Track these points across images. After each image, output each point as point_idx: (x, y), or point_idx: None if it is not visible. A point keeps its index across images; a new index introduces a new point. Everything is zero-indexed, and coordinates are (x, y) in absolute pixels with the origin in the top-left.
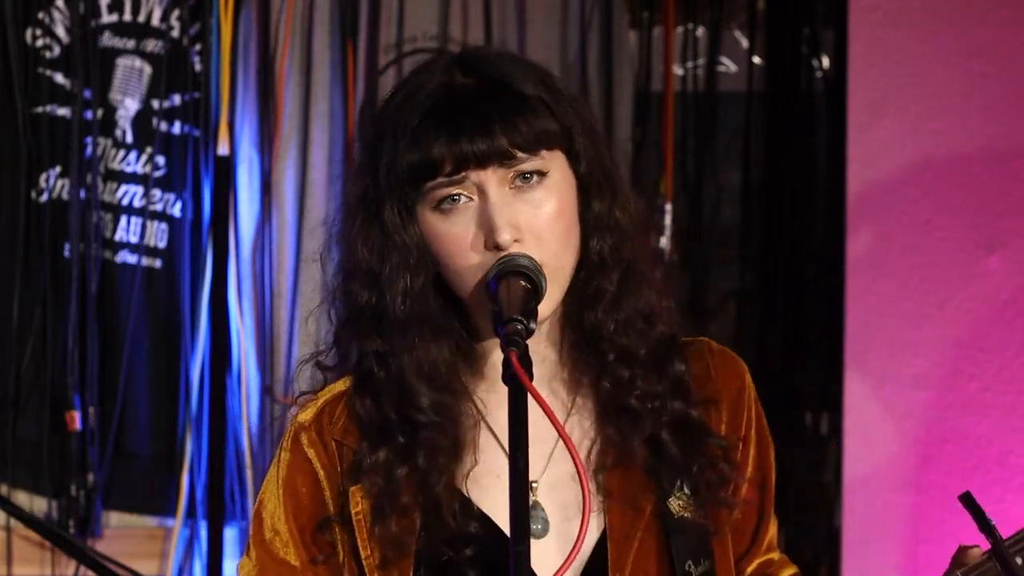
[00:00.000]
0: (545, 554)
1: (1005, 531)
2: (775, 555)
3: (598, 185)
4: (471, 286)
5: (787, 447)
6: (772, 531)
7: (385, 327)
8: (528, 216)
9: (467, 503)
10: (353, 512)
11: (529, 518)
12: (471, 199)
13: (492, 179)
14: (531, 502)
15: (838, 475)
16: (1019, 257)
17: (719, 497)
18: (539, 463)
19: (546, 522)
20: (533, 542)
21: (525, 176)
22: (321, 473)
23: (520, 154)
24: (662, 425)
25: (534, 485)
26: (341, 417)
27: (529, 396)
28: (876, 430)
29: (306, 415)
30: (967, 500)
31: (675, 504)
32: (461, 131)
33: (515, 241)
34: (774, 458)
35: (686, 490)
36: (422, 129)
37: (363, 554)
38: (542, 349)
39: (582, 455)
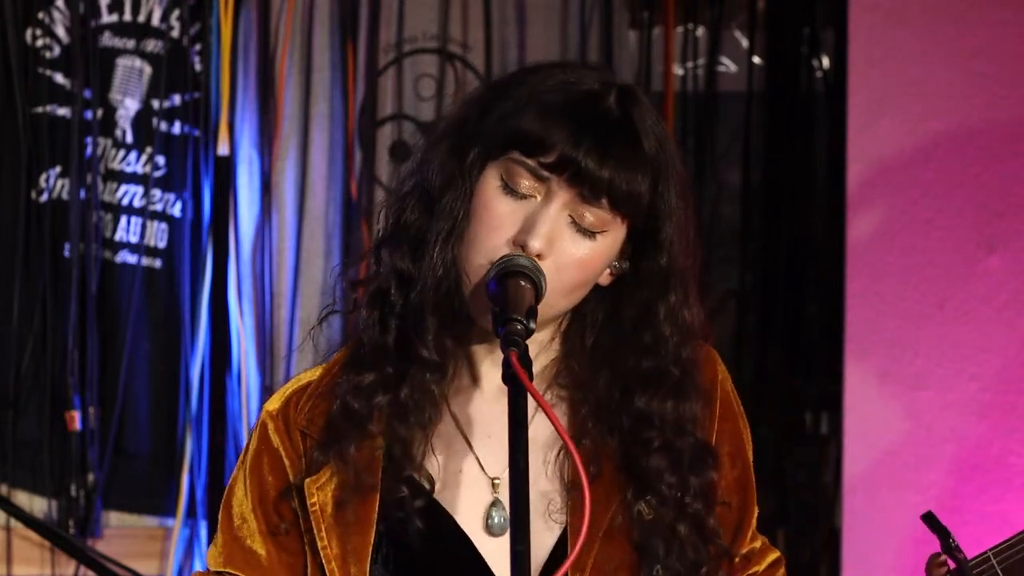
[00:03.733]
0: (499, 552)
1: (1005, 532)
2: (757, 543)
3: (674, 279)
4: (473, 267)
5: (787, 447)
6: (753, 521)
7: (420, 251)
8: (564, 247)
9: (422, 488)
10: (309, 504)
11: (529, 518)
12: (535, 196)
13: (565, 197)
14: (492, 499)
15: (838, 475)
16: (1019, 257)
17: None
18: (503, 461)
19: (506, 520)
20: (491, 539)
21: (583, 229)
22: (286, 462)
23: (605, 201)
24: (681, 519)
25: (496, 482)
26: (306, 406)
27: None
28: (876, 430)
29: (273, 404)
30: (930, 519)
31: (644, 508)
32: (585, 139)
33: (538, 256)
34: (751, 450)
35: (652, 499)
36: (559, 113)
37: (320, 545)
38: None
39: (553, 454)
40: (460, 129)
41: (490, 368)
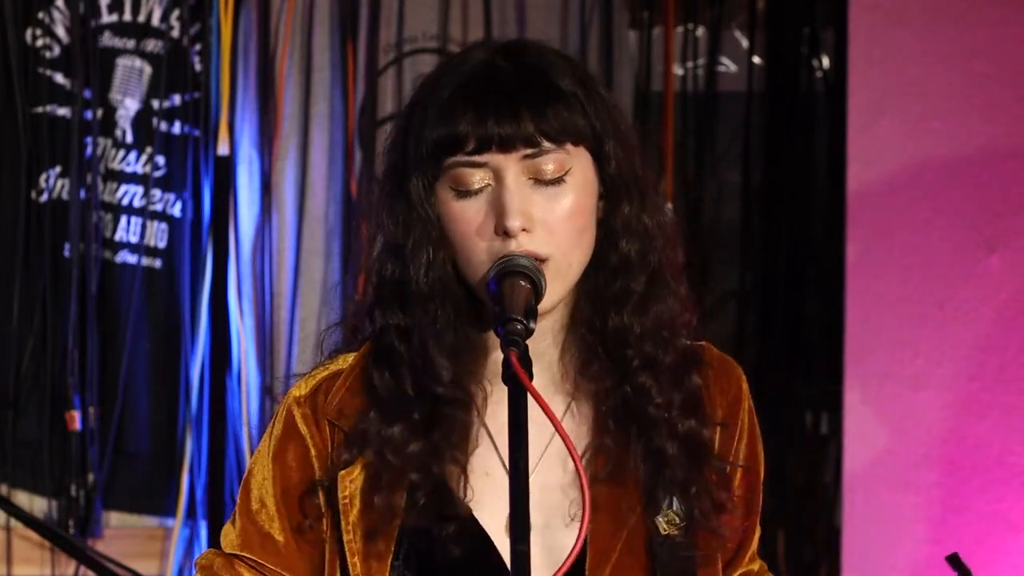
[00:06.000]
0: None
1: (1005, 531)
2: (755, 566)
3: (627, 189)
4: (478, 273)
5: (787, 447)
6: (755, 542)
7: (408, 300)
8: (543, 209)
9: (452, 495)
10: (340, 496)
11: (529, 518)
12: (488, 184)
13: (512, 166)
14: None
15: (838, 475)
16: (1019, 257)
17: (711, 524)
18: (555, 466)
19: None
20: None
21: (548, 181)
22: (312, 451)
23: (545, 143)
24: (672, 438)
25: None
26: (336, 397)
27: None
28: (876, 430)
29: (300, 390)
30: (954, 561)
31: (663, 522)
32: (488, 111)
33: (524, 231)
34: (763, 472)
35: (676, 509)
36: (452, 104)
37: (346, 538)
38: (544, 348)
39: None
40: (392, 173)
41: (547, 361)
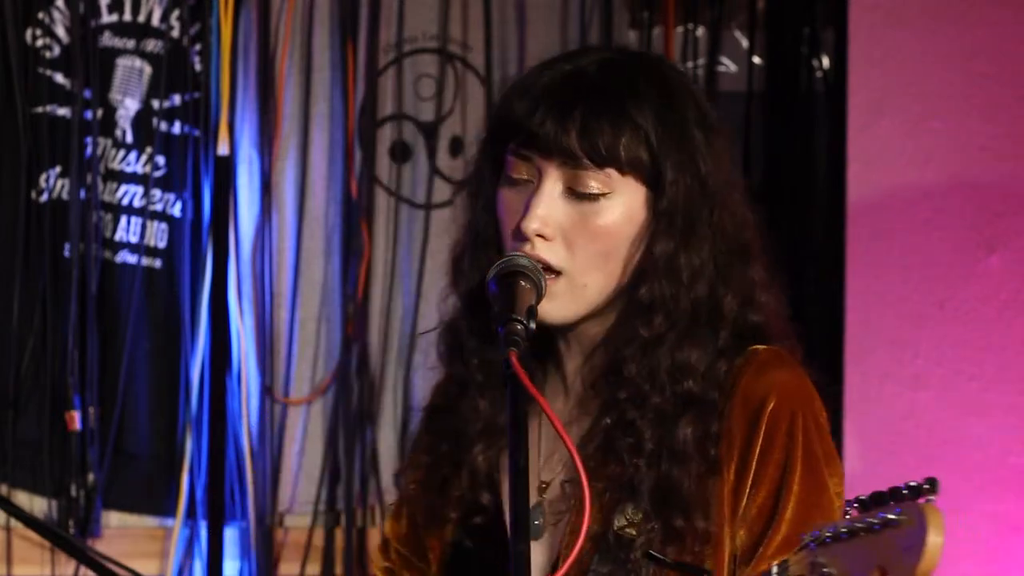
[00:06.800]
0: (534, 556)
1: (1005, 531)
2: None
3: (671, 226)
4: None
5: None
6: (773, 548)
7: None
8: (570, 221)
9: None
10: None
11: (529, 518)
12: (531, 180)
13: (553, 171)
14: (536, 501)
15: None
16: (1019, 257)
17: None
18: (557, 466)
19: (542, 524)
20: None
21: (582, 195)
22: None
23: (586, 162)
24: (643, 482)
25: (543, 485)
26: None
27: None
28: (876, 430)
29: None
30: None
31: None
32: (541, 111)
33: (540, 237)
34: (795, 492)
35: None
36: (527, 90)
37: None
38: (573, 357)
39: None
40: (481, 150)
41: (575, 371)
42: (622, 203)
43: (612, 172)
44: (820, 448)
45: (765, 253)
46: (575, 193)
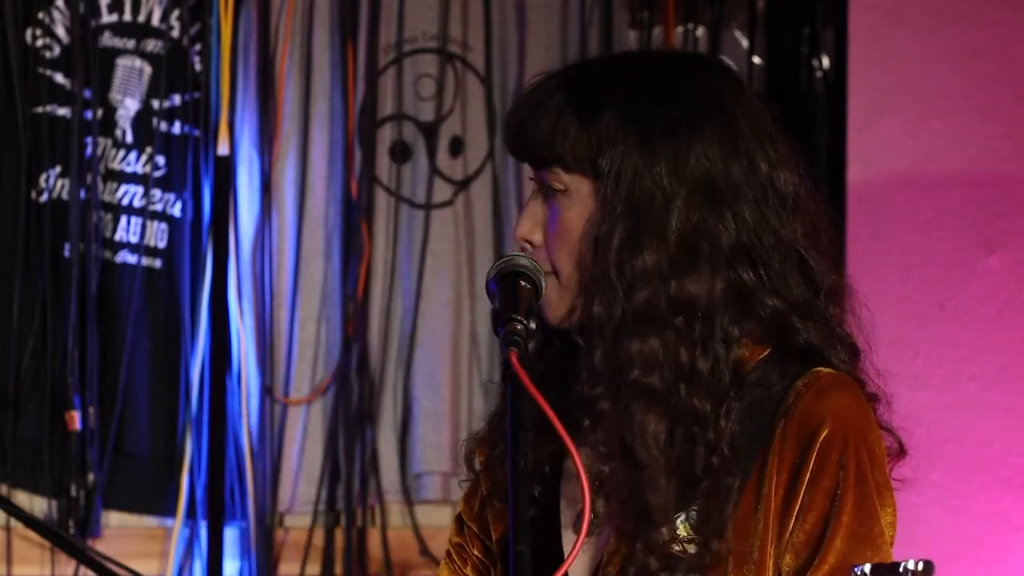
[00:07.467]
0: (583, 553)
1: (1006, 532)
2: None
3: (614, 224)
4: None
5: None
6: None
7: None
8: (547, 221)
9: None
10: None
11: (528, 518)
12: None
13: (536, 177)
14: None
15: None
16: (1019, 257)
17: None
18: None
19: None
20: (573, 537)
21: (550, 195)
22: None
23: (540, 162)
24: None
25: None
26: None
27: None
28: None
29: None
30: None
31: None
32: (513, 120)
33: (528, 243)
34: (846, 520)
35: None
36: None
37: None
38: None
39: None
40: None
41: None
42: (580, 200)
43: (558, 170)
44: (873, 478)
45: (823, 270)
46: (545, 193)
